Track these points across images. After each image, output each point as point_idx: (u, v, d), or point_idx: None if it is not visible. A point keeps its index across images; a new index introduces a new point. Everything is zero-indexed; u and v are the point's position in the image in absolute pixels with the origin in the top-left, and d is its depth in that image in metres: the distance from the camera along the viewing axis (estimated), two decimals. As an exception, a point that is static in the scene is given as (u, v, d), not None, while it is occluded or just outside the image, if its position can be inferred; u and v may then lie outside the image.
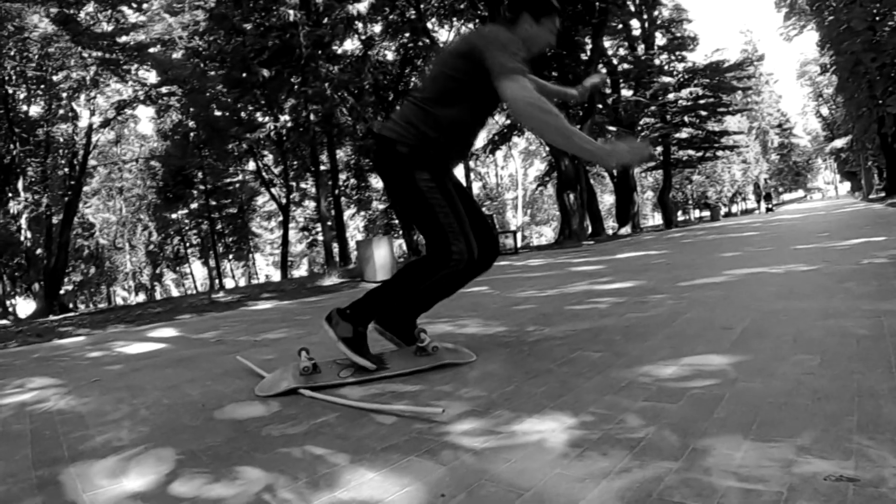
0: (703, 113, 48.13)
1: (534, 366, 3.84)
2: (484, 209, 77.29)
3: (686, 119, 48.17)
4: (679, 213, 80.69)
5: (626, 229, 41.25)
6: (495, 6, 32.59)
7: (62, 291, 41.19)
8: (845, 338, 3.54)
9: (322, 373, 4.01)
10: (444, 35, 43.89)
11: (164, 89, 37.25)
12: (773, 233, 16.31)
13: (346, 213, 54.57)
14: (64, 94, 35.17)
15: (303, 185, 52.54)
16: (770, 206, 57.61)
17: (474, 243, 4.15)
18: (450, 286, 4.38)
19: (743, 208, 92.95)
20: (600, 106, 38.88)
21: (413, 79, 43.39)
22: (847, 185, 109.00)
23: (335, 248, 38.44)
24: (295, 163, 46.56)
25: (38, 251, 37.15)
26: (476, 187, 73.19)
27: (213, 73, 36.32)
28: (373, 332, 4.39)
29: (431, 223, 4.09)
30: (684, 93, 46.08)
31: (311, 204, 55.32)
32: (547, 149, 41.50)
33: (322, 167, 39.45)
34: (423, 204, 4.07)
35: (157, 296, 68.05)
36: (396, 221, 47.65)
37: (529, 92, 3.76)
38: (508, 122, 42.49)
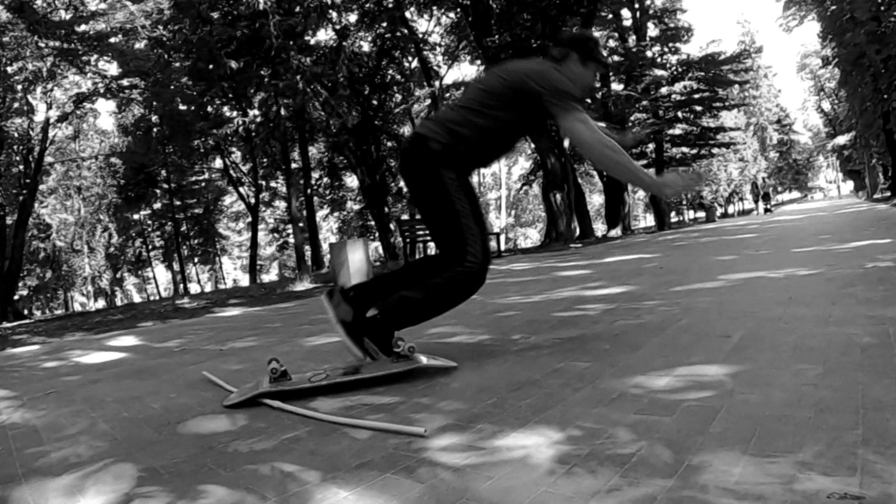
0: (698, 108, 48.22)
1: (518, 376, 3.83)
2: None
3: (680, 114, 48.22)
4: (672, 214, 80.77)
5: (617, 231, 41.31)
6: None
7: (16, 297, 41.03)
8: (849, 346, 3.55)
9: (292, 380, 4.02)
10: (423, 25, 43.97)
11: (125, 82, 37.11)
12: (772, 235, 16.37)
13: (319, 214, 54.61)
14: (19, 87, 34.97)
15: (273, 184, 52.59)
16: (768, 206, 57.71)
17: (489, 251, 4.51)
18: (453, 293, 4.50)
19: (740, 209, 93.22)
20: (588, 101, 38.78)
21: (391, 71, 43.36)
22: (850, 185, 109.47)
23: (307, 251, 38.44)
24: (264, 160, 46.53)
25: (-9, 254, 36.97)
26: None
27: (177, 64, 36.22)
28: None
29: (452, 222, 4.41)
30: (678, 87, 46.12)
31: (281, 204, 55.36)
32: (532, 146, 41.47)
33: (293, 165, 39.53)
34: (446, 202, 4.41)
35: (118, 302, 67.92)
36: (372, 223, 47.59)
37: (598, 132, 4.44)
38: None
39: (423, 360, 4.17)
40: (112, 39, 34.22)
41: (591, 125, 4.44)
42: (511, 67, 4.72)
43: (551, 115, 4.53)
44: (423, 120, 4.96)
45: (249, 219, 52.04)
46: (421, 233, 21.74)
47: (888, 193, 45.54)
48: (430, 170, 4.46)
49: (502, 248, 35.02)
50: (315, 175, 49.43)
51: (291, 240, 47.13)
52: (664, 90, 45.68)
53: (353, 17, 40.33)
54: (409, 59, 43.96)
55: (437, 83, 42.98)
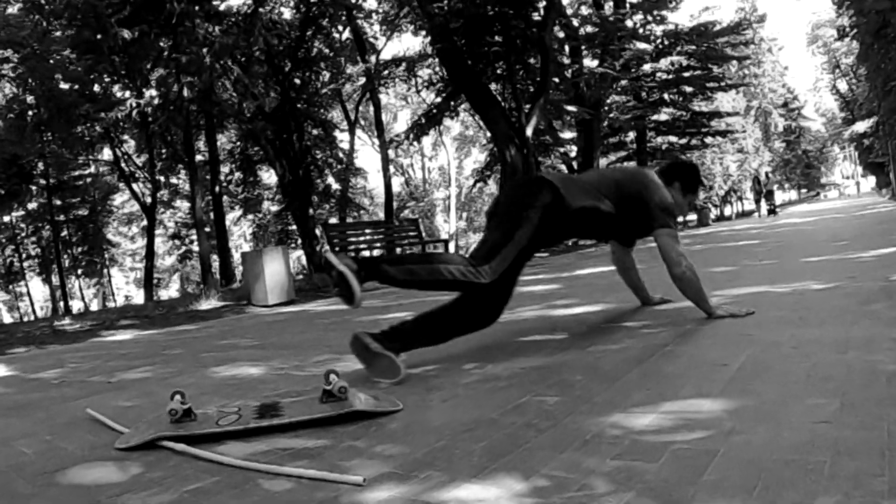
0: (688, 89, 48.47)
1: (471, 414, 3.80)
2: (407, 211, 76.91)
3: (666, 97, 48.50)
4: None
5: (590, 237, 41.30)
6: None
7: None
8: (872, 375, 3.58)
9: (196, 420, 3.95)
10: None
11: (-7, 54, 36.89)
12: (778, 241, 16.51)
13: (229, 217, 54.37)
14: None
15: (173, 180, 52.22)
16: (773, 206, 57.66)
17: (503, 290, 5.62)
18: (454, 288, 5.49)
19: (739, 210, 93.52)
20: (556, 80, 38.83)
21: (317, 44, 43.13)
22: (871, 180, 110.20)
23: (214, 261, 38.26)
24: (163, 151, 46.10)
25: None
26: (397, 184, 73.16)
27: (58, 34, 35.89)
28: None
29: (503, 239, 5.48)
30: (664, 63, 46.36)
31: (183, 204, 55.12)
32: (488, 134, 41.24)
33: (198, 157, 39.18)
34: (514, 225, 5.54)
35: (-16, 323, 67.24)
36: (294, 227, 47.17)
37: (684, 254, 6.05)
38: (439, 100, 42.38)
39: (358, 402, 4.08)
40: (-23, 3, 34.04)
41: (680, 245, 6.08)
42: (637, 175, 6.49)
43: (648, 221, 6.11)
44: (558, 173, 6.28)
45: (145, 222, 51.67)
46: (353, 239, 21.68)
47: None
48: (528, 198, 5.69)
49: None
50: (225, 169, 48.95)
51: (196, 248, 46.80)
52: (647, 67, 45.91)
53: (272, -22, 40.03)
54: (340, 29, 43.81)
55: (373, 58, 42.89)
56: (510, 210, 5.78)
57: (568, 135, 47.32)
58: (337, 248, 19.84)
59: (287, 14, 42.08)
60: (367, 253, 21.73)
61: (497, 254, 5.39)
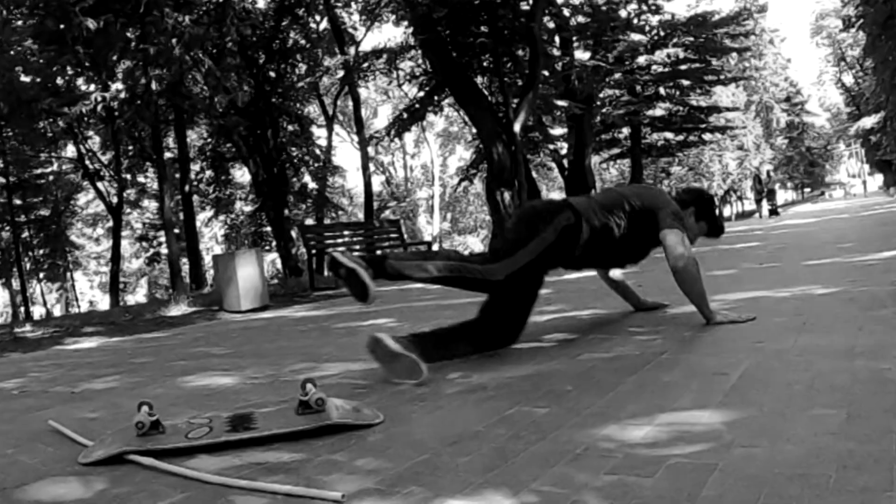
0: (685, 82, 48.35)
1: (456, 427, 3.79)
2: (388, 212, 76.74)
3: (662, 91, 48.39)
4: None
5: (581, 239, 41.19)
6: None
7: None
8: (880, 384, 3.58)
9: (165, 433, 3.90)
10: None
11: (-51, 46, 36.71)
12: (780, 243, 16.51)
13: (200, 218, 54.04)
14: None
15: (141, 179, 51.88)
16: (774, 206, 57.49)
17: (521, 309, 6.04)
18: (462, 286, 6.03)
19: (739, 210, 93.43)
20: (546, 73, 38.58)
21: (293, 34, 42.93)
22: (878, 179, 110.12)
23: (184, 264, 38.07)
24: (130, 148, 45.79)
25: None
26: (377, 183, 72.87)
27: (19, 23, 35.72)
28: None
29: (514, 245, 5.96)
30: (659, 55, 46.24)
31: (151, 204, 54.80)
32: (474, 131, 40.93)
33: (167, 154, 38.98)
34: (528, 236, 5.96)
35: (-61, 330, 66.74)
36: (268, 229, 46.76)
37: (690, 251, 6.20)
38: (422, 94, 42.15)
39: (336, 413, 4.03)
40: (-69, -9, 33.87)
41: (688, 242, 6.24)
42: (645, 188, 7.24)
43: (656, 227, 6.27)
44: (583, 199, 6.63)
45: (110, 223, 51.31)
46: (330, 241, 21.57)
47: (926, 190, 45.95)
48: (550, 216, 6.06)
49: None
50: (195, 167, 48.57)
51: (164, 250, 46.57)
52: (642, 60, 45.80)
53: (245, -36, 39.79)
54: (317, 18, 43.55)
55: (352, 50, 42.65)
56: (529, 220, 6.22)
57: (558, 131, 47.16)
58: (314, 252, 19.77)
59: (261, 3, 41.81)
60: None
61: (506, 256, 5.80)
